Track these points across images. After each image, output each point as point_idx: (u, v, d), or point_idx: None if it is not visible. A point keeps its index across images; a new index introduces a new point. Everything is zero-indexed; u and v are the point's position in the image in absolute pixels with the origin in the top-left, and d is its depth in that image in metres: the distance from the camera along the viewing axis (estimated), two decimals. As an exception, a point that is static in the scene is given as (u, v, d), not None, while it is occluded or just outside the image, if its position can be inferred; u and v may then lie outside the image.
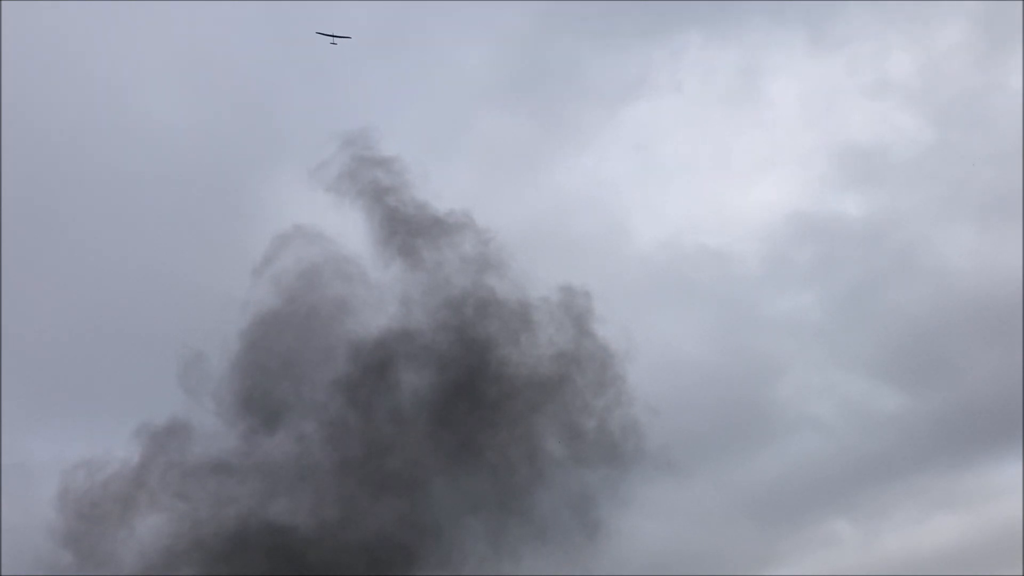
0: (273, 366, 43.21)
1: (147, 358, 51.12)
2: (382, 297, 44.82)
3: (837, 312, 71.70)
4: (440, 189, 46.91)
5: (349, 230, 46.02)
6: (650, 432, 43.82)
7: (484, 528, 42.17)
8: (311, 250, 44.68)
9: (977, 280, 72.46)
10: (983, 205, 77.80)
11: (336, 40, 53.52)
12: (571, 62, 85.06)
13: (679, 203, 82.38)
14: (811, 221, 77.85)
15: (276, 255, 44.48)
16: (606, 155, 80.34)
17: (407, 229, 45.59)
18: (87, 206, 64.20)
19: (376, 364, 43.46)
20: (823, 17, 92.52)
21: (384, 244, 45.69)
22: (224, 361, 43.05)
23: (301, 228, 44.99)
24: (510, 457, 43.05)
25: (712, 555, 53.03)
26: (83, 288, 58.21)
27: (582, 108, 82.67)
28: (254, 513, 41.05)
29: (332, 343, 43.78)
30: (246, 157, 66.98)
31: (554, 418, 44.06)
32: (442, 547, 41.93)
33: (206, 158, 67.48)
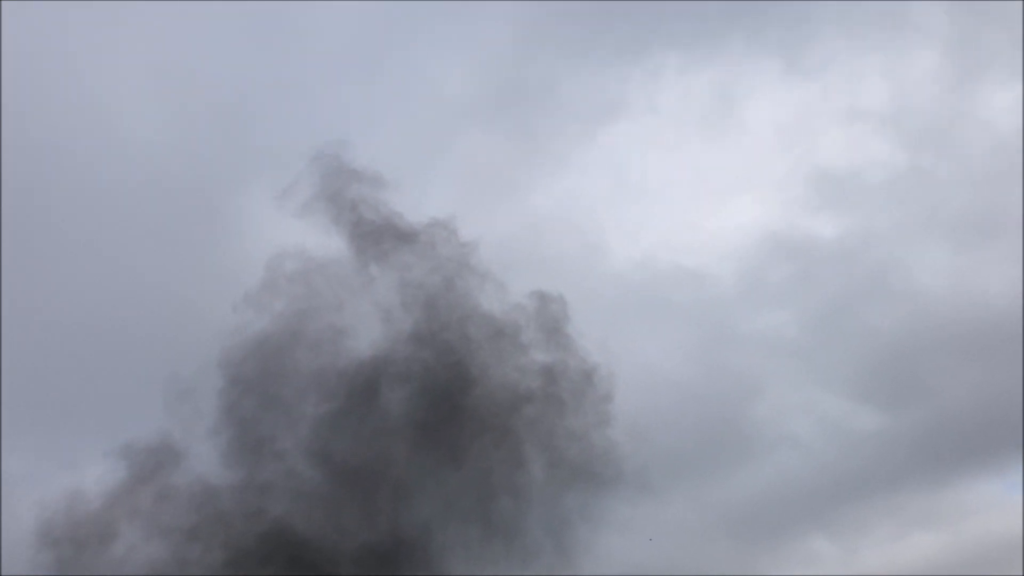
0: (258, 390, 42.69)
1: (126, 375, 50.71)
2: (363, 313, 44.52)
3: (813, 331, 72.22)
4: (417, 206, 46.84)
5: (326, 246, 45.84)
6: (629, 452, 43.65)
7: (466, 543, 41.82)
8: (293, 270, 44.33)
9: (950, 301, 73.35)
10: (956, 228, 78.90)
11: None
12: (549, 82, 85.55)
13: (655, 223, 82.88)
14: (786, 241, 78.64)
15: (263, 278, 44.03)
16: (583, 175, 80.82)
17: (385, 242, 45.34)
18: (62, 218, 63.51)
19: (361, 385, 43.04)
20: (798, 43, 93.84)
21: (363, 259, 45.44)
22: (209, 386, 42.43)
23: (283, 248, 44.67)
24: (491, 475, 42.71)
25: (691, 572, 52.70)
26: (56, 302, 57.46)
27: (560, 128, 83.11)
28: (245, 528, 40.53)
29: (317, 365, 43.34)
30: (223, 172, 66.67)
31: (535, 437, 43.75)
32: (427, 558, 41.60)
33: (183, 173, 67.13)
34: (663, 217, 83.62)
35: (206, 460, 41.99)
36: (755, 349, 69.64)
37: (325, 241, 45.16)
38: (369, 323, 44.12)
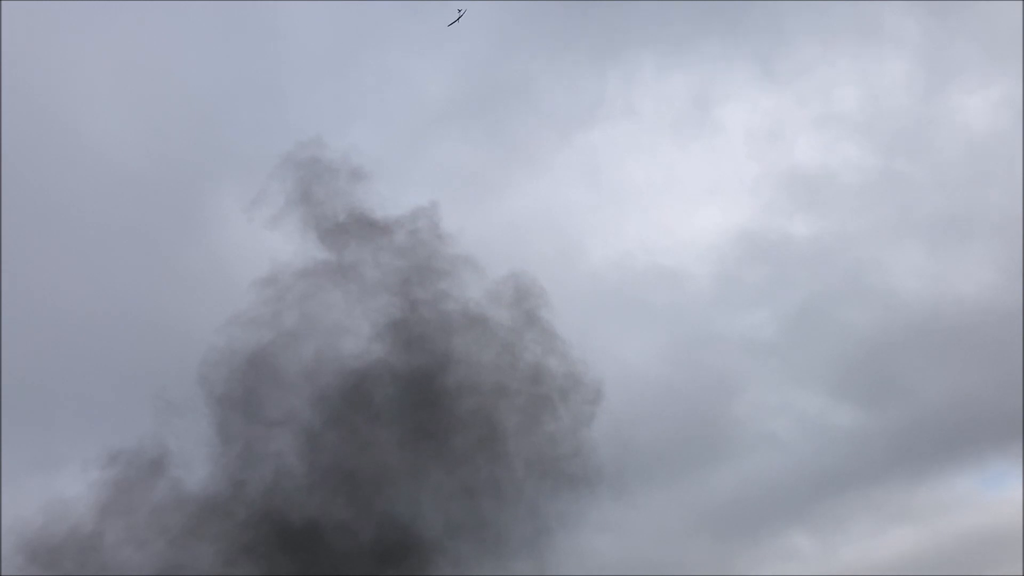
0: (246, 397, 42.69)
1: (109, 379, 50.40)
2: (348, 313, 44.34)
3: (790, 330, 72.68)
4: (395, 207, 46.79)
5: (305, 246, 45.70)
6: (608, 452, 43.73)
7: (452, 539, 41.86)
8: (276, 275, 44.21)
9: (925, 300, 74.16)
10: (929, 229, 79.78)
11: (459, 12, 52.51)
12: (527, 85, 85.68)
13: (632, 225, 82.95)
14: (761, 242, 79.08)
15: (248, 286, 43.97)
16: (560, 177, 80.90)
17: (364, 239, 45.25)
18: (37, 222, 62.91)
19: (347, 387, 43.04)
20: (773, 48, 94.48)
21: (342, 258, 45.30)
22: (198, 395, 42.40)
23: (261, 252, 44.80)
24: (476, 473, 42.65)
25: (672, 570, 52.85)
26: (31, 305, 56.86)
27: (537, 130, 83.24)
28: (240, 527, 40.47)
29: (305, 369, 43.32)
30: (199, 173, 66.28)
31: (517, 436, 43.69)
32: (419, 554, 41.82)
33: (158, 174, 66.73)
34: (640, 219, 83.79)
35: (198, 464, 42.09)
36: (732, 349, 70.16)
37: (303, 240, 45.26)
38: (354, 323, 44.14)
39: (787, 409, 67.94)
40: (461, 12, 53.70)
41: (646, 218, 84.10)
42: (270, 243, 45.55)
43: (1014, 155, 74.21)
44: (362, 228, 45.35)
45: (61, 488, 42.00)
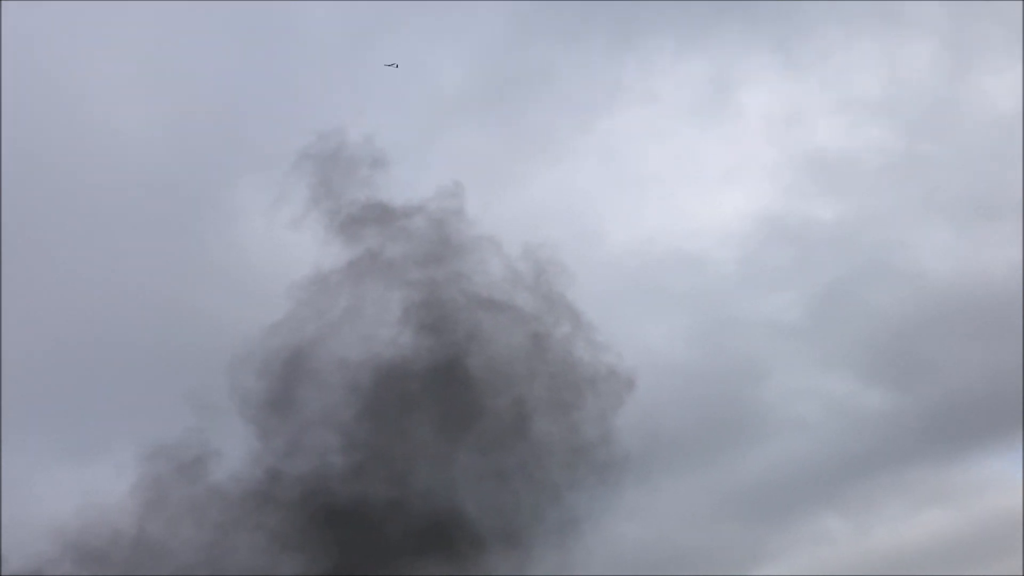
0: (282, 390, 42.86)
1: (135, 373, 50.72)
2: (376, 306, 44.28)
3: (816, 313, 72.12)
4: (412, 196, 46.74)
5: (328, 238, 45.72)
6: (634, 438, 43.55)
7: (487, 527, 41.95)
8: (303, 274, 44.28)
9: (953, 280, 73.59)
10: (955, 209, 79.15)
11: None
12: (544, 71, 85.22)
13: (653, 210, 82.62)
14: (785, 225, 78.50)
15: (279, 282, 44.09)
16: (580, 163, 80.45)
17: (383, 229, 45.23)
18: (53, 219, 63.19)
19: (381, 379, 43.11)
20: (794, 30, 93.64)
21: (367, 249, 45.28)
22: (230, 393, 42.46)
23: (284, 246, 44.87)
24: (506, 461, 42.56)
25: (702, 555, 52.83)
26: (55, 302, 57.21)
27: (555, 116, 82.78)
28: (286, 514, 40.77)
29: (338, 364, 43.38)
30: (219, 167, 66.31)
31: (547, 426, 43.57)
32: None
33: (177, 168, 66.86)
34: (660, 204, 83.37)
35: (237, 455, 42.24)
36: (758, 333, 69.57)
37: (327, 231, 45.29)
38: (383, 312, 44.09)
39: (815, 392, 67.59)
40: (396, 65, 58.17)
41: (667, 203, 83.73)
42: (294, 236, 45.69)
43: (1041, 134, 73.42)
44: (384, 216, 45.34)
45: (93, 481, 42.28)
